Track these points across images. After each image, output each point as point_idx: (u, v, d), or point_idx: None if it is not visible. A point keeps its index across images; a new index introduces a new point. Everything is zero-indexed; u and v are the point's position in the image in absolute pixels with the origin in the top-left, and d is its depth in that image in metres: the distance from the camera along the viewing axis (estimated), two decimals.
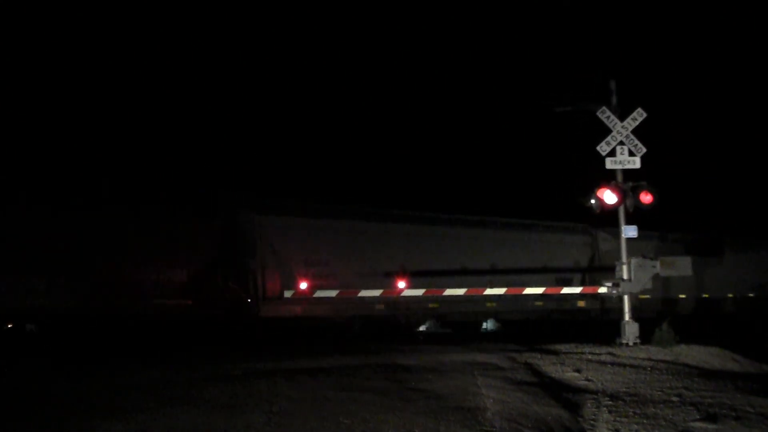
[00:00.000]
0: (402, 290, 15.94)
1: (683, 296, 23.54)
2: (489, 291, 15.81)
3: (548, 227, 21.54)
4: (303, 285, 14.62)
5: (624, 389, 9.15)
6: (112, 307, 15.10)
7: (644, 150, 14.25)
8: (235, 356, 11.63)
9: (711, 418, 7.50)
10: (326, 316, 16.77)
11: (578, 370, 10.50)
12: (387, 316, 17.78)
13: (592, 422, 7.56)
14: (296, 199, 18.53)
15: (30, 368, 10.97)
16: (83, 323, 15.01)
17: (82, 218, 15.33)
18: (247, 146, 32.68)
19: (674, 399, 8.45)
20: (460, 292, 15.36)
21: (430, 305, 18.15)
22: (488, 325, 20.65)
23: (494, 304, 18.81)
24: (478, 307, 18.91)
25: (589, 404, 8.28)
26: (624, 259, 14.26)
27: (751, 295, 26.50)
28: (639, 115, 14.34)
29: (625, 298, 14.12)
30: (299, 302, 15.80)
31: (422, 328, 19.51)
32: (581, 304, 19.34)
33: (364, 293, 14.86)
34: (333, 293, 14.91)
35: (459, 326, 19.73)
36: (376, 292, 15.15)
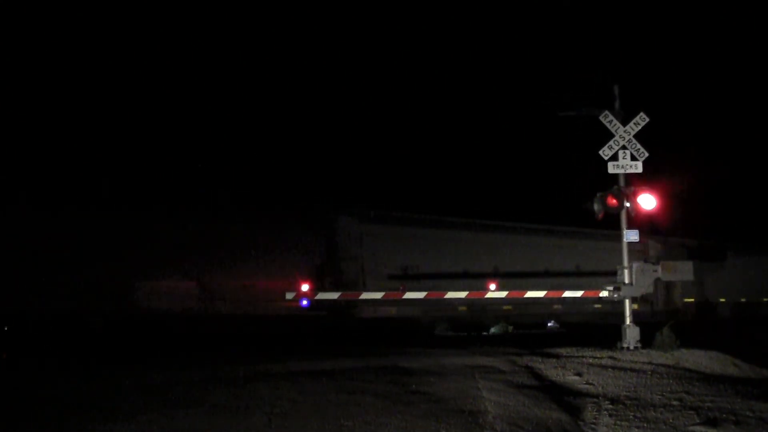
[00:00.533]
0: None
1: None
2: (496, 294, 16.21)
3: (605, 235, 22.25)
4: (304, 287, 14.64)
5: (625, 393, 9.15)
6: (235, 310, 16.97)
7: (647, 154, 14.25)
8: (254, 357, 11.69)
9: (711, 422, 7.51)
10: (416, 317, 18.70)
11: (579, 374, 10.51)
12: (469, 318, 19.81)
13: (592, 426, 7.57)
14: (394, 210, 20.65)
15: (34, 368, 11.02)
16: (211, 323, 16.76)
17: (214, 233, 17.32)
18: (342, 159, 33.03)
19: (675, 403, 8.46)
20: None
21: (504, 308, 20.06)
22: (551, 325, 22.14)
23: (559, 307, 19.97)
24: (544, 310, 20.03)
25: (589, 408, 8.29)
26: (625, 263, 14.25)
27: (765, 299, 26.77)
28: (641, 120, 14.34)
29: (626, 302, 14.12)
30: (393, 304, 17.18)
31: (493, 329, 20.79)
32: (636, 306, 20.40)
33: (366, 296, 15.04)
34: (335, 295, 15.04)
35: (526, 327, 21.25)
36: (378, 294, 15.31)
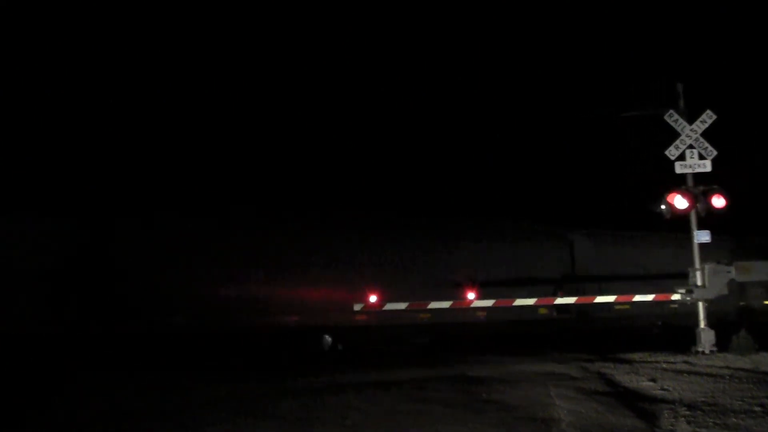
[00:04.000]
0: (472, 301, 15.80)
1: None
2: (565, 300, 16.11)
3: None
4: (372, 298, 14.71)
5: (702, 399, 8.91)
6: None
7: (715, 153, 13.89)
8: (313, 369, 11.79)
9: None
10: None
11: (653, 380, 10.29)
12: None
13: None
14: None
15: (100, 381, 11.29)
16: None
17: None
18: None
19: (756, 409, 8.20)
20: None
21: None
22: None
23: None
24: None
25: (666, 414, 8.09)
26: (697, 265, 13.91)
27: None
28: (708, 117, 14.00)
29: (700, 304, 13.76)
30: None
31: None
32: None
33: (434, 305, 14.97)
34: (402, 306, 14.99)
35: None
36: (446, 304, 15.22)
